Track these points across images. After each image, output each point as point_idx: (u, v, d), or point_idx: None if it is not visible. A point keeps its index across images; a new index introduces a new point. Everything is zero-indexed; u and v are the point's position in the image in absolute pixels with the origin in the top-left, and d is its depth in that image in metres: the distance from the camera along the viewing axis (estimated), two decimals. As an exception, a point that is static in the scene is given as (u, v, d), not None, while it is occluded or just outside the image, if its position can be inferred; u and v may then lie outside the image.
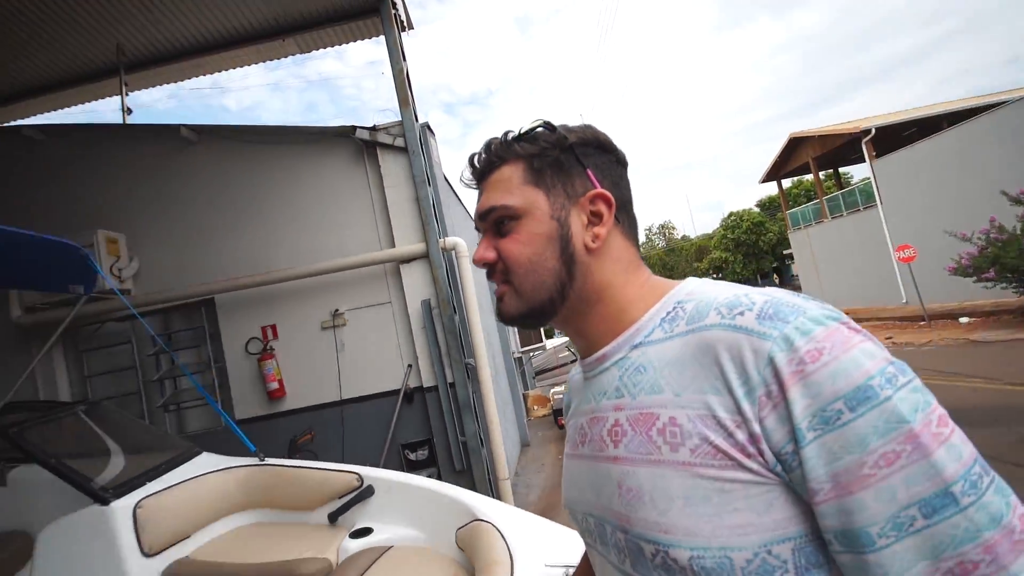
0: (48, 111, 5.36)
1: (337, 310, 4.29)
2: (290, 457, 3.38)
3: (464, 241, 4.35)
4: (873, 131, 16.35)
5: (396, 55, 4.39)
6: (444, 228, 4.34)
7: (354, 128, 4.31)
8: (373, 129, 4.34)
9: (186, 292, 4.34)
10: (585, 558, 0.83)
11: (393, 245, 4.30)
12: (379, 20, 4.41)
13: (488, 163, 0.67)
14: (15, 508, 2.47)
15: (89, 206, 4.49)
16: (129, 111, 5.03)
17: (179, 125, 4.44)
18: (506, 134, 0.67)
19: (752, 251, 34.87)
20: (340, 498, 2.21)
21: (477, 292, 4.42)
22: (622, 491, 0.55)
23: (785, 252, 29.20)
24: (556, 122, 0.67)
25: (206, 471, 2.34)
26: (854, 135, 17.00)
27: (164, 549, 1.99)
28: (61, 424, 2.51)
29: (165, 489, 2.14)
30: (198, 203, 4.52)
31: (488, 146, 0.67)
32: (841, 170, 30.57)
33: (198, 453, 2.48)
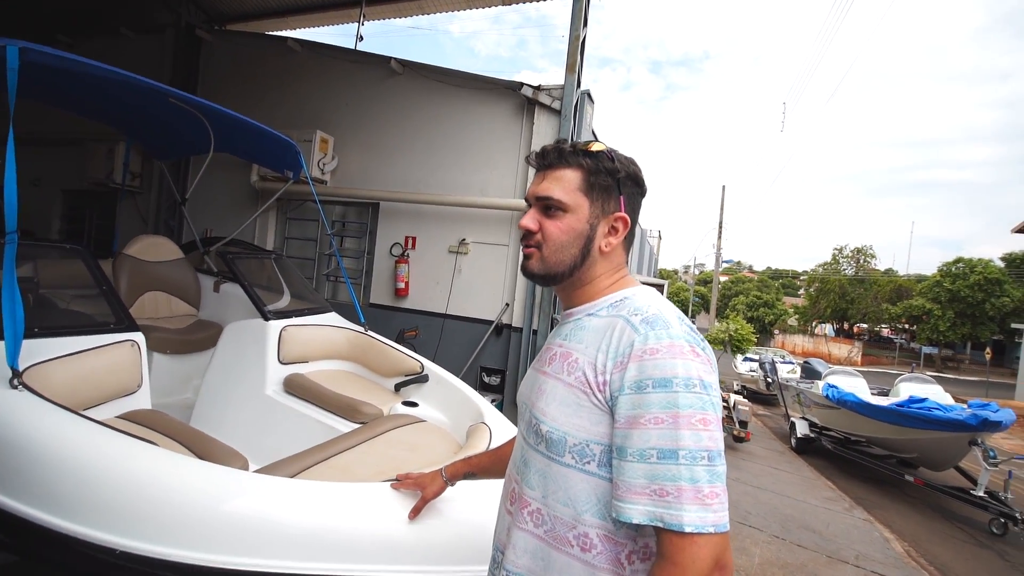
0: (303, 28, 6.83)
1: (464, 239, 4.99)
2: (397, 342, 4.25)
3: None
4: None
5: (577, 21, 4.64)
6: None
7: (521, 84, 4.76)
8: (537, 88, 4.73)
9: (362, 193, 5.42)
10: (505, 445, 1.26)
11: (524, 197, 4.77)
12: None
13: (555, 160, 0.91)
14: (220, 309, 3.66)
15: (315, 109, 5.74)
16: (361, 38, 6.16)
17: (390, 57, 5.36)
18: (574, 144, 0.92)
19: (972, 312, 28.01)
20: (405, 376, 2.88)
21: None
22: (539, 390, 0.91)
23: (1016, 326, 23.01)
24: (618, 147, 0.96)
25: (329, 324, 3.20)
26: None
27: (291, 363, 2.87)
28: (258, 263, 3.60)
29: (302, 325, 3.03)
30: (389, 123, 5.48)
31: (559, 148, 0.91)
32: None
33: (329, 311, 3.37)
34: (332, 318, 3.30)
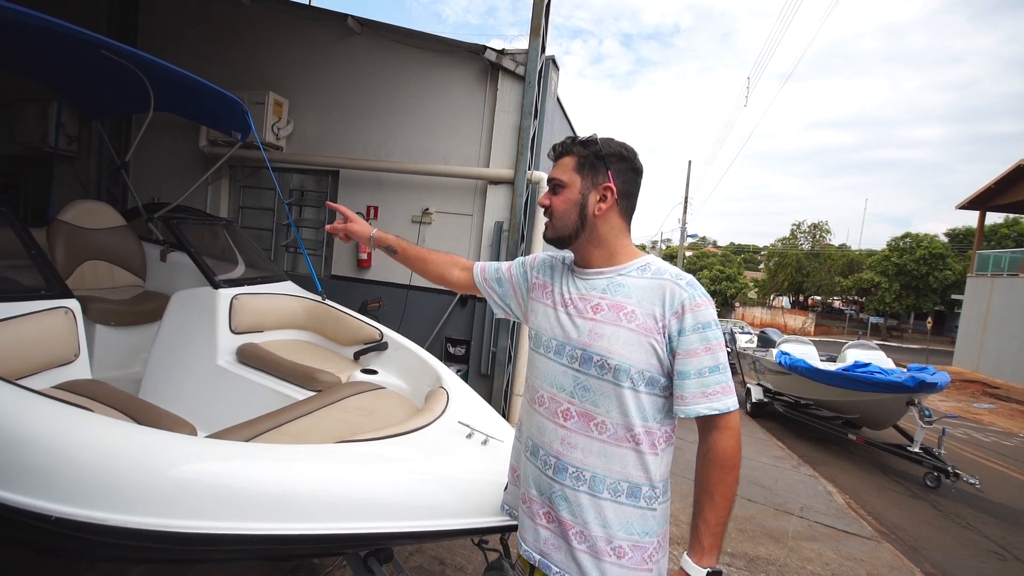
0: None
1: (427, 209, 4.90)
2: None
3: (550, 178, 4.61)
4: None
5: (542, -17, 4.50)
6: (536, 161, 4.62)
7: (484, 48, 4.63)
8: (501, 53, 4.61)
9: (321, 160, 5.22)
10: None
11: (488, 165, 4.70)
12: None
13: (561, 151, 1.23)
14: (168, 279, 3.50)
15: (267, 69, 5.44)
16: (315, -7, 5.82)
17: (347, 15, 5.10)
18: (574, 138, 1.22)
19: (916, 284, 29.66)
20: (365, 344, 2.84)
21: (549, 228, 4.72)
22: (595, 333, 1.14)
23: (955, 297, 24.50)
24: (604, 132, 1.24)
25: (285, 293, 3.11)
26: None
27: (244, 332, 2.78)
28: (208, 230, 3.44)
29: (256, 294, 2.93)
30: (348, 86, 5.25)
31: (564, 142, 1.23)
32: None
33: (285, 279, 3.27)
34: (287, 287, 3.20)
